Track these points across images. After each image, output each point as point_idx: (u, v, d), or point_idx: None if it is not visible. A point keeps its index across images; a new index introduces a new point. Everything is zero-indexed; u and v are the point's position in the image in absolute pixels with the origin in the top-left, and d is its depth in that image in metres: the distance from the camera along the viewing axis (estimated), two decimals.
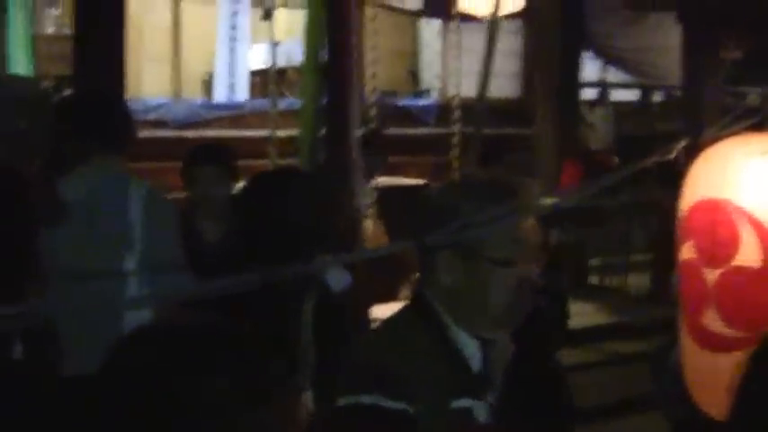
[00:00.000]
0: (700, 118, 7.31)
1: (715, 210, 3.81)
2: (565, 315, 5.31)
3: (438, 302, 2.62)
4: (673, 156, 3.36)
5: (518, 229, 2.61)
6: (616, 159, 12.33)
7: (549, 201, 4.13)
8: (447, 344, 2.60)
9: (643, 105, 14.43)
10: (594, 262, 12.06)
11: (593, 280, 11.93)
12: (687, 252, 3.93)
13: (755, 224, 3.70)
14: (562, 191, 10.70)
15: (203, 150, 5.83)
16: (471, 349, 2.62)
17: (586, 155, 11.92)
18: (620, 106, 14.03)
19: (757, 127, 4.08)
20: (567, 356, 7.10)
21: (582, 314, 9.52)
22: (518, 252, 2.59)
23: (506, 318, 2.63)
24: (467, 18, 11.44)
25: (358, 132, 7.91)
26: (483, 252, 2.56)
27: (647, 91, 14.45)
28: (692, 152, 4.00)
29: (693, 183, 3.96)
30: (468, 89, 11.11)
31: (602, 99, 13.85)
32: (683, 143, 3.45)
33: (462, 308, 2.60)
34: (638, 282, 11.45)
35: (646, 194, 9.92)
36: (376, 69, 11.22)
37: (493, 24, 10.50)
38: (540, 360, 4.90)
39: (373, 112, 11.08)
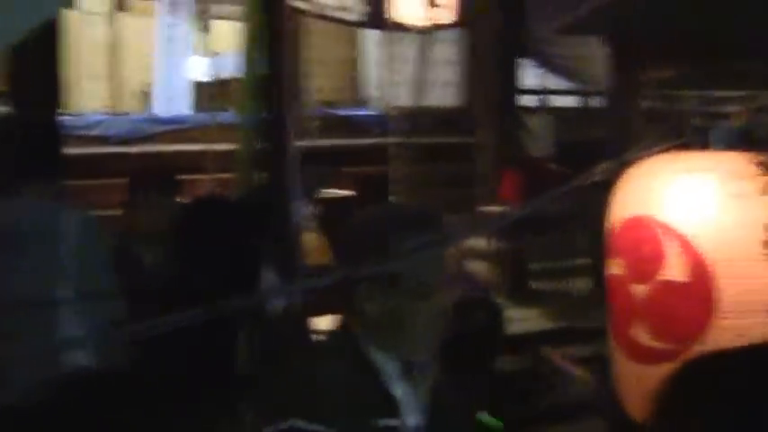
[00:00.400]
0: (625, 135, 7.41)
1: (641, 226, 3.90)
2: (500, 328, 5.37)
3: (359, 327, 2.67)
4: (599, 178, 3.44)
5: (438, 260, 2.66)
6: (556, 167, 12.41)
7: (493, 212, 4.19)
8: (368, 366, 2.66)
9: (583, 112, 14.53)
10: (536, 267, 12.12)
11: (535, 285, 11.98)
12: (615, 267, 4.02)
13: (680, 240, 3.79)
14: (504, 201, 10.82)
15: (154, 176, 5.82)
16: (393, 371, 2.68)
17: (527, 162, 11.99)
18: (561, 113, 14.12)
19: (682, 145, 4.17)
20: (509, 363, 7.19)
21: (524, 320, 9.60)
22: (438, 283, 2.64)
23: (427, 344, 2.69)
24: (404, 28, 11.50)
25: (299, 145, 7.92)
26: (403, 283, 2.61)
27: (586, 97, 14.56)
28: (619, 170, 4.08)
29: (620, 200, 4.06)
30: (411, 99, 11.19)
31: (542, 106, 13.93)
32: (609, 164, 3.53)
33: (382, 334, 2.65)
34: (580, 286, 11.51)
35: (586, 201, 10.01)
36: (316, 80, 11.26)
37: (426, 34, 10.57)
38: (475, 375, 4.97)
39: (314, 123, 11.11)
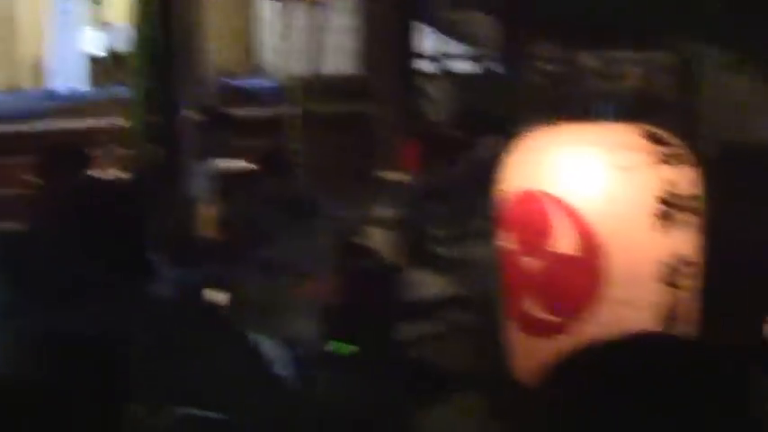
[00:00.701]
0: (519, 105, 7.47)
1: (531, 200, 3.92)
2: (397, 299, 5.38)
3: (239, 312, 2.67)
4: (490, 155, 3.46)
5: (315, 243, 2.67)
6: (458, 133, 12.41)
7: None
8: (251, 350, 2.65)
9: (483, 76, 14.55)
10: (439, 232, 12.11)
11: (438, 251, 11.97)
12: (506, 241, 4.04)
13: (570, 213, 3.82)
14: (405, 169, 10.82)
15: (66, 155, 5.71)
16: (275, 353, 2.67)
17: (427, 129, 11.98)
18: (460, 78, 14.12)
19: (573, 116, 4.20)
20: (411, 330, 7.19)
21: (426, 286, 9.61)
22: (315, 265, 2.65)
23: (307, 325, 2.70)
24: None
25: (196, 115, 7.85)
26: (281, 266, 2.61)
27: (485, 62, 14.57)
28: (508, 143, 4.10)
29: (510, 173, 4.07)
30: (309, 67, 11.14)
31: (441, 72, 13.92)
32: (496, 139, 3.55)
33: (263, 318, 2.66)
34: (483, 252, 11.50)
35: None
36: (213, 51, 11.15)
37: (322, 2, 10.53)
38: (377, 347, 4.97)
39: (212, 94, 11.01)
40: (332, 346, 2.83)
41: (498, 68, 14.54)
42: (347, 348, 2.81)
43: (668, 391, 1.45)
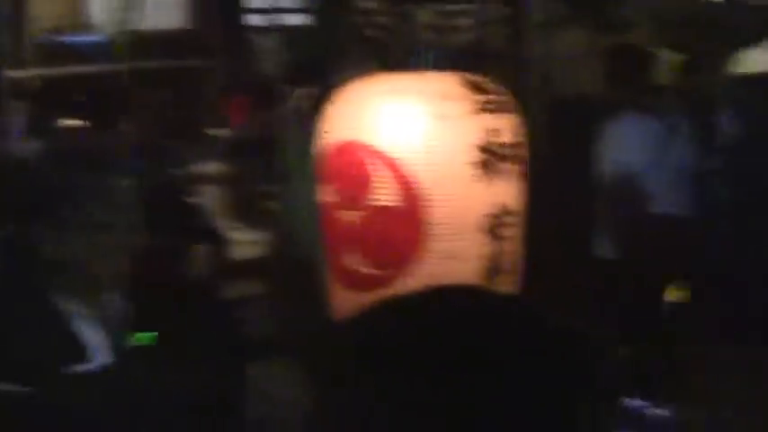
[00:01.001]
0: (344, 59, 7.45)
1: (350, 151, 3.86)
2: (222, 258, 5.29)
3: (41, 275, 2.55)
4: (298, 104, 3.38)
5: (115, 194, 2.57)
6: (285, 86, 12.29)
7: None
8: (52, 313, 2.54)
9: (312, 29, 14.45)
10: (268, 189, 11.98)
11: (264, 207, 11.84)
12: (327, 195, 3.97)
13: (389, 163, 3.77)
14: (234, 125, 10.70)
15: None
16: (76, 316, 2.57)
17: (256, 84, 11.86)
18: (290, 31, 14.00)
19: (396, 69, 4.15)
20: (239, 289, 7.12)
21: (256, 244, 9.53)
22: (116, 216, 2.55)
23: (108, 283, 2.60)
24: None
25: (16, 75, 7.62)
26: (80, 220, 2.51)
27: (318, 15, 14.47)
28: (325, 94, 4.03)
29: (329, 125, 4.00)
30: (137, 22, 10.92)
31: (270, 25, 13.78)
32: (307, 90, 3.47)
33: (64, 277, 2.55)
34: (306, 205, 11.38)
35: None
36: (37, 6, 10.87)
37: None
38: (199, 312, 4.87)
39: (32, 52, 10.72)
40: (136, 335, 2.73)
41: (327, 21, 14.47)
42: (149, 337, 2.72)
43: (474, 347, 1.38)
